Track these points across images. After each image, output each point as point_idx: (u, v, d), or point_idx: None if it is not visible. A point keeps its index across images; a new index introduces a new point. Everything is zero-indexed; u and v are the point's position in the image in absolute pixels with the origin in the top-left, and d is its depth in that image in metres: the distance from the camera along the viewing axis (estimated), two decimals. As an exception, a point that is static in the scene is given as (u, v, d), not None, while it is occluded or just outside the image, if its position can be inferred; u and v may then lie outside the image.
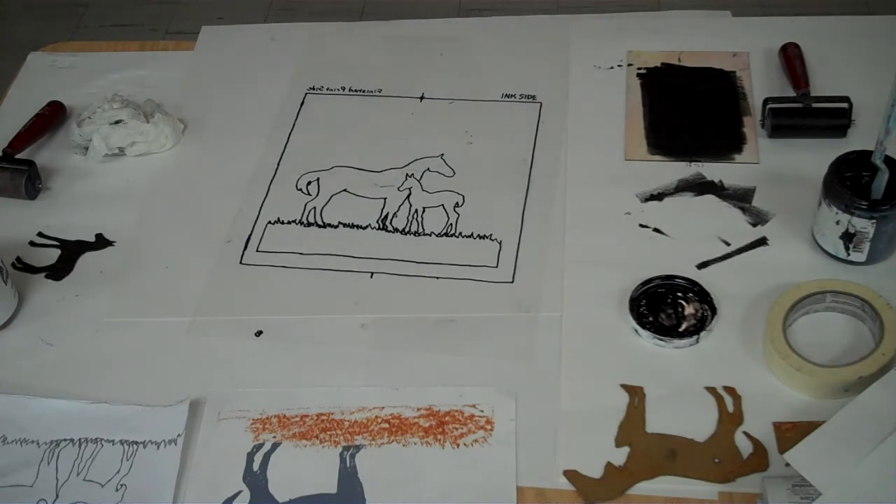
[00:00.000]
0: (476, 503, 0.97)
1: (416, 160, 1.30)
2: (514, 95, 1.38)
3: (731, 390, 1.02)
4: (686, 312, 1.09)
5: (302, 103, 1.40)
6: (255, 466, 1.01)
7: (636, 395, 1.03)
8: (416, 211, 1.24)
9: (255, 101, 1.41)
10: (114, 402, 1.06)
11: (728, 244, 1.16)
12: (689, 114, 1.32)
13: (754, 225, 1.18)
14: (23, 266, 1.22)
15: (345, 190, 1.27)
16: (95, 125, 1.32)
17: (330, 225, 1.24)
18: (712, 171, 1.24)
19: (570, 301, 1.12)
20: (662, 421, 1.01)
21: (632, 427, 1.00)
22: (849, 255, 1.11)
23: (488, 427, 1.02)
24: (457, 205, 1.24)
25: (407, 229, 1.22)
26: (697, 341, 1.07)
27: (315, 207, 1.26)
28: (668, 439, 0.99)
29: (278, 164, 1.32)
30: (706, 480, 0.96)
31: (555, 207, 1.23)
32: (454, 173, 1.28)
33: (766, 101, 1.28)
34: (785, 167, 1.24)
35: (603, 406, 1.02)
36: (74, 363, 1.12)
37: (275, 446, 1.02)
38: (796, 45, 1.36)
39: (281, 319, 1.14)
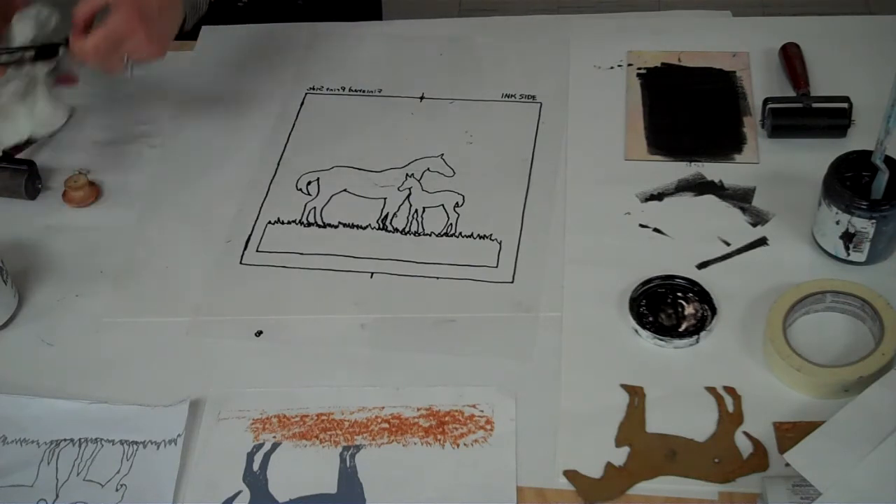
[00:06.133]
0: (476, 503, 0.97)
1: (416, 160, 1.30)
2: (514, 95, 1.38)
3: (731, 390, 1.02)
4: (686, 312, 1.09)
5: (302, 103, 1.40)
6: (255, 466, 1.01)
7: (636, 395, 1.03)
8: (416, 211, 1.24)
9: (255, 102, 1.40)
10: (114, 402, 1.06)
11: (728, 244, 1.16)
12: (689, 114, 1.32)
13: (754, 225, 1.18)
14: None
15: (345, 190, 1.27)
16: None
17: (330, 225, 1.23)
18: (712, 171, 1.24)
19: (570, 301, 1.12)
20: (662, 421, 1.01)
21: (632, 427, 1.00)
22: (849, 255, 1.11)
23: (488, 427, 1.02)
24: (457, 205, 1.24)
25: (407, 229, 1.22)
26: (697, 341, 1.07)
27: (315, 207, 1.25)
28: (668, 439, 0.99)
29: (278, 164, 1.31)
30: (706, 480, 0.96)
31: (555, 207, 1.22)
32: (454, 173, 1.28)
33: (766, 101, 1.28)
34: (785, 167, 1.24)
35: (603, 406, 1.02)
36: (74, 363, 1.11)
37: (275, 446, 1.02)
38: (796, 45, 1.36)
39: (281, 319, 1.14)
